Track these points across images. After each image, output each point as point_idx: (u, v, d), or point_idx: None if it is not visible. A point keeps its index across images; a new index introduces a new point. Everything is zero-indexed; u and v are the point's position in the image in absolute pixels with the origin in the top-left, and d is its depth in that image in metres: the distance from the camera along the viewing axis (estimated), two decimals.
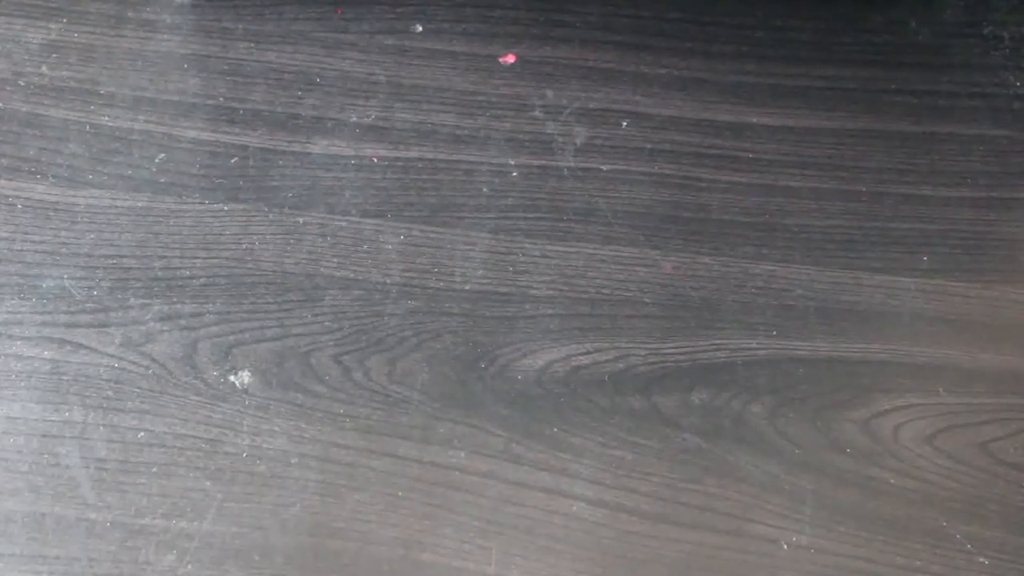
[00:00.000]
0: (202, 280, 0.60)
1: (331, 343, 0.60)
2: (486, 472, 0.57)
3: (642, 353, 0.59)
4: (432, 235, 0.62)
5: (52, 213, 0.61)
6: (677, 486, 0.57)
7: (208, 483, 0.56)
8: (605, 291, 0.61)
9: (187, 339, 0.58)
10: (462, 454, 0.57)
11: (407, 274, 0.61)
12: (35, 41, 0.67)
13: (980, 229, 0.65)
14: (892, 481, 0.58)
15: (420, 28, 0.69)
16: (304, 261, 0.61)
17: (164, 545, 0.54)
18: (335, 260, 0.62)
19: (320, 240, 0.62)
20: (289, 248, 0.62)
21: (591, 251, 0.62)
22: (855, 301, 0.63)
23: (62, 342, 0.58)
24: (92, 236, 0.61)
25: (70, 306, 0.59)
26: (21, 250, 0.60)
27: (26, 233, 0.60)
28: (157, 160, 0.63)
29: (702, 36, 0.71)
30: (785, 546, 0.56)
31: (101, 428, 0.56)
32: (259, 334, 0.59)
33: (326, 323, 0.60)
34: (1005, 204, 0.66)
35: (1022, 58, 0.71)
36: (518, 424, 0.58)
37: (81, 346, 0.58)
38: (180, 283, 0.60)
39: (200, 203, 0.62)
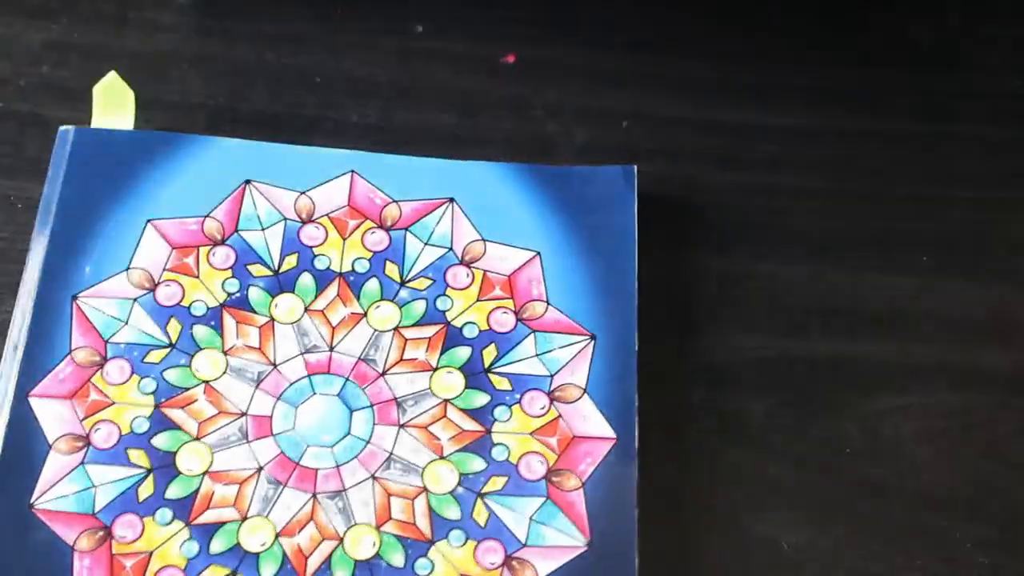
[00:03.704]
0: None
1: None
2: None
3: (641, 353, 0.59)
4: None
5: None
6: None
7: None
8: None
9: None
10: None
11: None
12: (35, 41, 0.66)
13: (980, 229, 0.65)
14: (892, 481, 0.58)
15: (420, 28, 0.69)
16: None
17: None
18: None
19: None
20: None
21: None
22: (855, 301, 0.62)
23: None
24: None
25: None
26: (22, 250, 0.59)
27: (26, 233, 0.59)
28: None
29: (703, 36, 0.71)
30: (785, 546, 0.56)
31: None
32: None
33: None
34: (1005, 204, 0.66)
35: (1022, 58, 0.71)
36: None
37: None
38: None
39: None
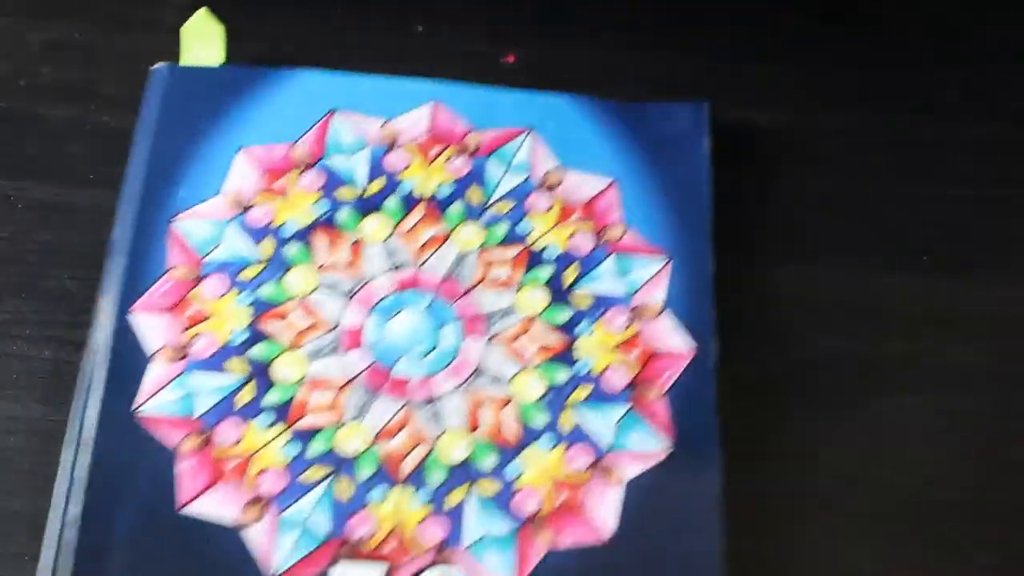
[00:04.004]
0: None
1: None
2: None
3: None
4: None
5: (52, 213, 0.61)
6: None
7: None
8: None
9: None
10: None
11: None
12: (35, 41, 0.66)
13: (980, 229, 0.65)
14: (890, 480, 0.58)
15: (420, 28, 0.69)
16: None
17: None
18: None
19: None
20: None
21: None
22: (856, 301, 0.62)
23: (62, 342, 0.58)
24: (92, 236, 0.60)
25: (70, 306, 0.59)
26: (22, 250, 0.60)
27: (26, 233, 0.60)
28: None
29: (702, 35, 0.71)
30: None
31: None
32: None
33: None
34: (1005, 204, 0.66)
35: (1022, 58, 0.71)
36: None
37: (82, 346, 0.57)
38: None
39: None
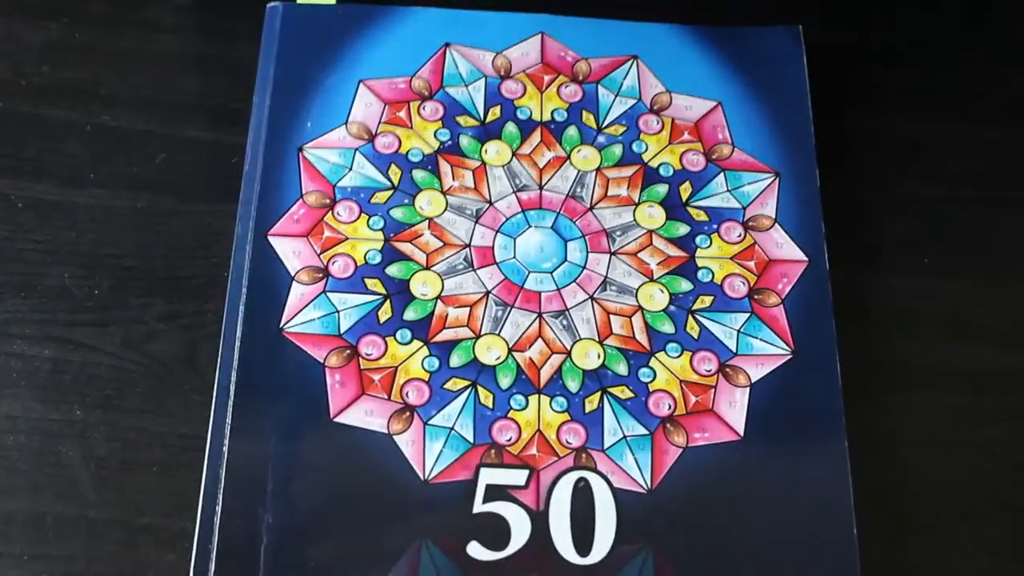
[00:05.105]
0: (202, 280, 0.60)
1: None
2: None
3: None
4: None
5: (52, 213, 0.62)
6: None
7: None
8: None
9: (187, 338, 0.59)
10: None
11: None
12: (35, 41, 0.67)
13: (980, 229, 0.65)
14: (892, 481, 0.58)
15: None
16: None
17: (164, 544, 0.54)
18: None
19: None
20: None
21: None
22: (855, 301, 0.62)
23: (62, 341, 0.58)
24: (92, 236, 0.61)
25: (70, 305, 0.59)
26: (21, 249, 0.60)
27: (26, 232, 0.61)
28: (157, 160, 0.64)
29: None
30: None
31: (101, 427, 0.57)
32: None
33: None
34: (1005, 204, 0.66)
35: (1022, 58, 0.71)
36: None
37: (81, 345, 0.58)
38: (180, 283, 0.60)
39: (200, 203, 0.62)
